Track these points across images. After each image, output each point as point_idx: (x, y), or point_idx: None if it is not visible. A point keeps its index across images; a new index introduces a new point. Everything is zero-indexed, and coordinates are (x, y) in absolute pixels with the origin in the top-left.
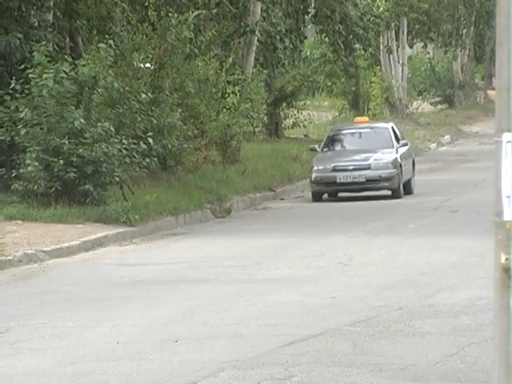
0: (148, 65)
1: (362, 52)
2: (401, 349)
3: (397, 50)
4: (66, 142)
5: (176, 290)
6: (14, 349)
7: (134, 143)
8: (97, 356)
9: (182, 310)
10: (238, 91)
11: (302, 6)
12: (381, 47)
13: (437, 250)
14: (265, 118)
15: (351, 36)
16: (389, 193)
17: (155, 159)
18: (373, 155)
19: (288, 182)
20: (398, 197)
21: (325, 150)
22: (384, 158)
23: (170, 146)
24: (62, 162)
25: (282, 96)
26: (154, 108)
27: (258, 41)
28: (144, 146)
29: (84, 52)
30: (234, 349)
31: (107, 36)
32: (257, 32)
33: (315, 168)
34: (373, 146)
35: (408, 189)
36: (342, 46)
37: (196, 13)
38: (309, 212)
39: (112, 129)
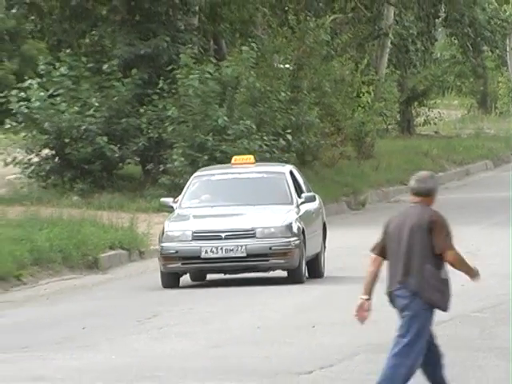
0: (287, 66)
1: (490, 53)
2: None
3: None
4: (210, 139)
5: (313, 278)
6: (161, 333)
7: (274, 139)
8: (238, 340)
9: (318, 296)
10: (373, 90)
11: (433, 11)
12: (507, 49)
13: None
14: (397, 116)
15: (479, 38)
16: (284, 274)
17: (294, 155)
18: (259, 216)
19: None
20: (299, 281)
21: (184, 205)
22: (276, 220)
23: (307, 143)
24: (206, 157)
25: (413, 95)
26: (292, 106)
27: (391, 43)
28: (283, 143)
29: (227, 54)
30: (368, 333)
31: (249, 39)
32: (390, 35)
33: (167, 234)
34: (259, 202)
35: (316, 269)
36: (471, 48)
37: (333, 17)
38: (439, 204)
39: (253, 126)
